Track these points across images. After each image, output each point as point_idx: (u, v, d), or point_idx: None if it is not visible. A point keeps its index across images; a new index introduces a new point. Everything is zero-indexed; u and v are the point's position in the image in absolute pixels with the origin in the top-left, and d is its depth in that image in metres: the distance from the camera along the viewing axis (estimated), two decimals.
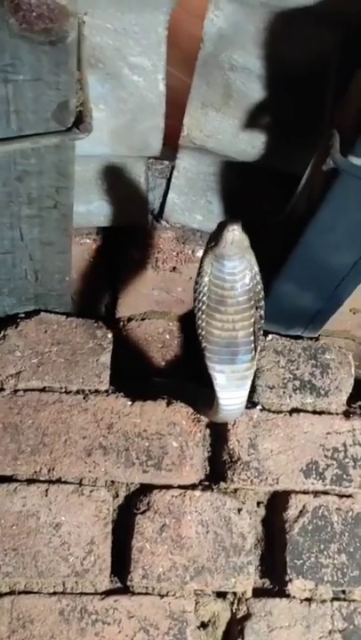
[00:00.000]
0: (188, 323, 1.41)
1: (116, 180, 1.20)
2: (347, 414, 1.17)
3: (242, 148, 1.06)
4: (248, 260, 0.95)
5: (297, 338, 1.24)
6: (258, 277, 0.98)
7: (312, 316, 1.20)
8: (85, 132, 0.77)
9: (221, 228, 0.89)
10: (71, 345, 1.14)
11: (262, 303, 0.99)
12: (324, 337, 1.55)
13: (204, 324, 0.98)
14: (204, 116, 1.02)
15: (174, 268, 1.34)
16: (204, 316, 0.98)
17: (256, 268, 0.97)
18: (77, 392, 1.10)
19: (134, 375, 1.35)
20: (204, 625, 0.98)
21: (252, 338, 0.98)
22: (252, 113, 1.01)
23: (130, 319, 1.47)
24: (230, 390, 1.01)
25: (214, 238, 0.92)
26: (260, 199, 1.22)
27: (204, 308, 0.97)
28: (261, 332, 0.98)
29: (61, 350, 1.13)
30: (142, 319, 1.48)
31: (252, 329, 0.98)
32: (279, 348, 1.21)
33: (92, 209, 1.24)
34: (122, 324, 1.46)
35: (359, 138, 0.81)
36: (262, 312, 0.98)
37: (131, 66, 0.96)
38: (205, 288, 0.97)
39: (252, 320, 0.98)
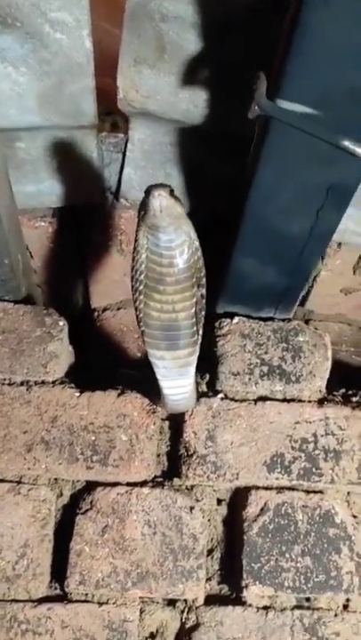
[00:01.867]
0: None
1: (66, 157, 1.12)
2: (321, 402, 1.05)
3: (184, 107, 0.96)
4: (186, 231, 0.85)
5: (268, 320, 1.14)
6: (198, 252, 0.88)
7: (280, 294, 1.09)
8: None
9: (147, 194, 0.80)
10: (17, 334, 1.07)
11: (204, 281, 0.89)
12: (316, 322, 1.44)
13: (142, 306, 0.89)
14: (138, 75, 0.93)
15: None
16: (141, 297, 0.89)
17: (196, 242, 0.87)
18: (21, 383, 1.02)
19: (109, 367, 1.28)
20: (152, 636, 0.89)
21: (193, 320, 0.88)
22: (190, 66, 0.91)
23: (105, 309, 1.40)
24: (173, 378, 0.91)
25: (143, 206, 0.83)
26: (222, 168, 1.12)
27: (141, 287, 0.88)
28: (204, 314, 0.88)
29: (6, 339, 1.06)
30: (118, 309, 1.41)
31: (193, 310, 0.88)
32: (246, 330, 1.10)
33: (43, 188, 1.16)
34: (97, 314, 1.39)
35: (286, 77, 0.70)
36: (204, 291, 0.89)
37: (52, 22, 0.87)
38: (142, 265, 0.88)
39: (194, 300, 0.88)
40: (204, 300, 0.88)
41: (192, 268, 0.87)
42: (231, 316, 1.12)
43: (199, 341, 0.89)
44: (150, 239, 0.85)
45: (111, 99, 1.02)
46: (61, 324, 1.11)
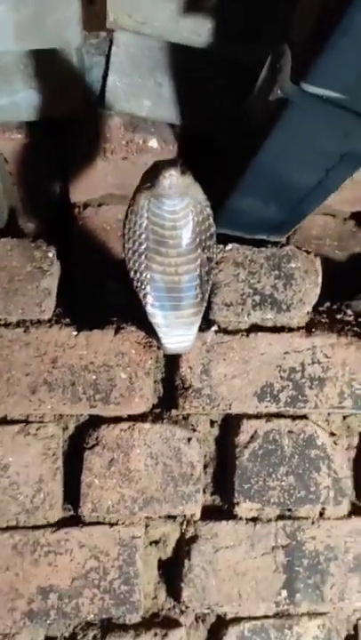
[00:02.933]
0: None
1: (42, 63, 0.98)
2: (308, 329, 1.10)
3: (185, 35, 0.85)
4: (192, 195, 0.81)
5: (261, 244, 1.13)
6: (206, 213, 0.84)
7: (275, 226, 1.07)
8: None
9: (157, 171, 0.75)
10: (7, 271, 1.04)
11: (210, 243, 0.87)
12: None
13: (142, 268, 0.87)
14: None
15: (125, 158, 1.17)
16: (142, 259, 0.87)
17: (204, 203, 0.84)
18: (17, 324, 1.03)
19: (94, 269, 1.27)
20: (155, 542, 1.04)
21: (197, 282, 0.88)
22: None
23: (86, 205, 1.33)
24: (175, 335, 0.93)
25: (149, 179, 0.78)
26: (220, 86, 1.01)
27: (141, 250, 0.86)
28: (211, 277, 0.88)
29: None
30: (99, 205, 1.35)
31: (197, 272, 0.87)
32: (240, 259, 1.10)
33: (18, 100, 1.03)
34: (77, 210, 1.33)
35: (317, 62, 0.62)
36: (210, 254, 0.87)
37: None
38: (143, 227, 0.85)
39: (198, 262, 0.87)
40: (211, 264, 0.87)
41: (196, 230, 0.84)
42: (225, 241, 1.10)
43: (204, 301, 0.90)
44: (153, 202, 0.81)
45: None
46: (51, 255, 1.08)
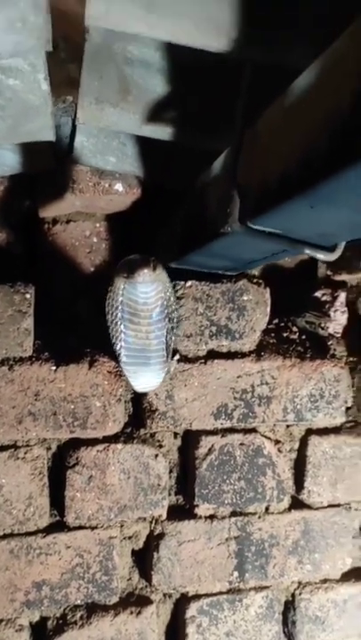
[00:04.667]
0: (116, 222, 1.38)
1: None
2: (258, 353, 1.27)
3: (147, 134, 0.93)
4: (161, 281, 0.94)
5: (217, 282, 1.26)
6: (169, 292, 0.98)
7: (228, 269, 1.20)
8: None
9: (133, 267, 0.87)
10: None
11: (174, 315, 1.01)
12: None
13: (118, 334, 1.01)
14: (101, 111, 0.88)
15: (92, 195, 1.27)
16: (117, 326, 1.01)
17: (170, 286, 0.97)
18: (2, 363, 1.16)
19: (63, 288, 1.39)
20: (129, 537, 1.24)
21: (164, 345, 1.02)
22: (155, 109, 0.87)
23: (55, 221, 1.43)
24: (144, 382, 1.09)
25: (125, 271, 0.90)
26: (178, 149, 1.10)
27: (117, 320, 1.00)
28: (173, 339, 1.02)
29: None
30: (67, 221, 1.45)
31: (164, 338, 1.02)
32: (198, 294, 1.24)
33: None
34: (47, 226, 1.43)
35: (262, 215, 0.74)
36: (174, 324, 1.01)
37: (3, 70, 0.79)
38: (119, 302, 0.98)
39: (164, 330, 1.01)
40: (174, 329, 1.02)
41: (164, 305, 0.98)
42: (185, 276, 1.23)
43: (169, 358, 1.05)
44: (128, 287, 0.94)
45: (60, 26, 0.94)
46: (28, 296, 1.19)
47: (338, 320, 1.42)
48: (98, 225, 1.41)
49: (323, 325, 1.40)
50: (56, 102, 1.07)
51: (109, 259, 1.41)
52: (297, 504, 1.30)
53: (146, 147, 1.12)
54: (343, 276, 1.45)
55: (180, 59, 0.79)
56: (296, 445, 1.31)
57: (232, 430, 1.26)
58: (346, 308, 1.42)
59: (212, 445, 1.24)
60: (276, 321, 1.36)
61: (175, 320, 1.02)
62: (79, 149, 1.12)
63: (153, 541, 1.23)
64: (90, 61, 0.80)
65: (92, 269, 1.48)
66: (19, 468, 1.16)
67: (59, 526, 1.19)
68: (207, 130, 0.89)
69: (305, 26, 0.60)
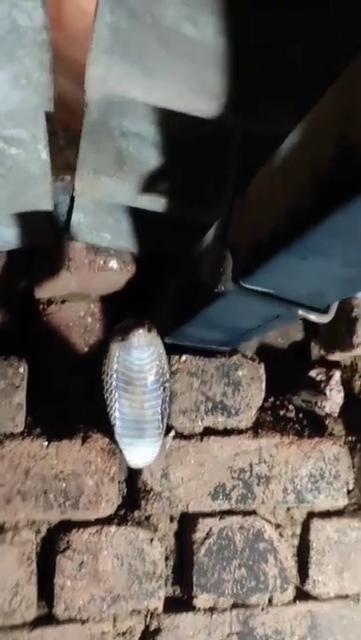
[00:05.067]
0: (110, 303, 1.40)
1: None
2: (255, 430, 1.24)
3: (142, 205, 0.97)
4: (155, 347, 0.94)
5: (211, 357, 1.26)
6: (163, 360, 0.98)
7: (222, 343, 1.21)
8: None
9: (128, 329, 0.87)
10: None
11: (168, 384, 1.00)
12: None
13: (113, 403, 1.00)
14: (97, 181, 0.92)
15: (87, 272, 1.30)
16: (113, 395, 0.99)
17: (163, 354, 0.97)
18: None
19: (56, 367, 1.38)
20: (122, 633, 1.15)
21: (159, 416, 1.00)
22: (149, 180, 0.91)
23: (50, 302, 1.44)
24: (139, 456, 1.05)
25: (121, 334, 0.90)
26: (171, 222, 1.14)
27: (112, 388, 0.98)
28: (167, 410, 1.01)
29: None
30: (62, 302, 1.46)
31: (158, 408, 1.00)
32: (193, 369, 1.23)
33: None
34: (42, 306, 1.44)
35: (255, 274, 0.75)
36: (168, 393, 1.00)
37: (6, 139, 0.83)
38: (114, 370, 0.97)
39: (160, 400, 0.99)
40: (168, 399, 1.00)
41: (159, 373, 0.97)
42: (179, 351, 1.23)
43: (164, 429, 1.02)
44: (123, 353, 0.93)
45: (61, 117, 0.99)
46: (22, 370, 1.18)
47: (334, 399, 1.41)
48: (92, 306, 1.42)
49: (319, 404, 1.38)
50: (55, 181, 1.12)
51: (104, 339, 1.41)
52: (302, 595, 1.22)
53: (140, 222, 1.16)
54: (337, 355, 1.45)
55: (172, 132, 0.84)
56: (298, 530, 1.25)
57: (231, 512, 1.20)
58: (341, 387, 1.41)
59: (211, 529, 1.18)
60: (271, 399, 1.34)
61: (169, 390, 1.01)
62: (76, 226, 1.16)
63: (149, 638, 1.13)
64: (88, 135, 0.85)
65: (87, 349, 1.48)
66: (5, 554, 1.09)
67: (47, 619, 1.10)
68: (198, 201, 0.93)
69: (293, 95, 0.64)
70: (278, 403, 1.34)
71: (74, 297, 1.40)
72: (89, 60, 0.61)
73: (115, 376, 0.96)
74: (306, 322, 1.57)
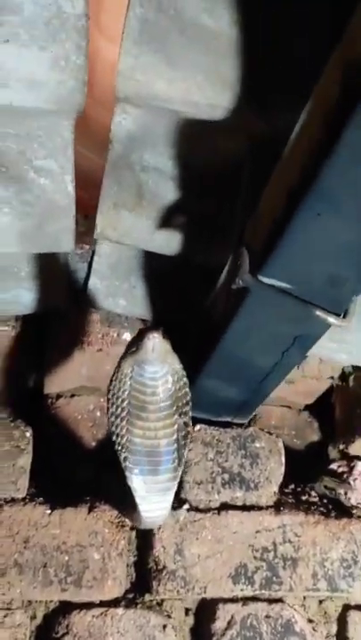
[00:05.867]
0: None
1: (33, 267, 1.14)
2: (277, 507, 1.14)
3: (158, 244, 1.02)
4: (170, 364, 0.90)
5: (226, 425, 1.21)
6: (183, 381, 0.93)
7: (239, 406, 1.17)
8: None
9: (142, 335, 0.85)
10: None
11: (187, 409, 0.94)
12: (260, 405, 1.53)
13: (123, 432, 0.93)
14: (117, 216, 0.98)
15: (100, 349, 1.29)
16: (123, 423, 0.93)
17: (180, 372, 0.93)
18: None
19: (63, 458, 1.30)
20: None
21: (175, 446, 0.93)
22: (166, 213, 0.97)
23: (59, 396, 1.41)
24: (152, 501, 0.96)
25: (135, 344, 0.88)
26: (186, 284, 1.18)
27: (123, 414, 0.93)
28: (188, 441, 0.94)
29: None
30: (72, 395, 1.42)
31: (175, 436, 0.93)
32: (208, 439, 1.17)
33: (9, 297, 1.17)
34: (50, 401, 1.40)
35: (270, 260, 0.78)
36: (187, 419, 0.94)
37: (36, 169, 0.91)
38: (125, 393, 0.92)
39: (175, 427, 0.93)
40: (187, 428, 0.94)
41: (174, 396, 0.92)
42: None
43: (180, 468, 0.94)
44: (136, 370, 0.89)
45: (81, 204, 1.06)
46: (28, 435, 1.13)
47: (359, 489, 1.31)
48: (102, 400, 1.39)
49: (343, 494, 1.28)
50: (74, 250, 1.18)
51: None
52: None
53: (154, 288, 1.19)
54: (357, 446, 1.38)
55: (189, 165, 0.92)
56: (334, 629, 1.08)
57: (255, 599, 1.05)
58: None
59: (233, 617, 1.02)
60: (292, 486, 1.25)
61: (189, 416, 0.94)
62: (92, 291, 1.19)
63: None
64: (111, 169, 0.93)
65: (94, 443, 1.42)
66: None
67: None
68: (211, 236, 0.98)
69: (300, 90, 0.72)
70: (300, 490, 1.25)
71: (84, 390, 1.38)
72: (120, 53, 0.71)
73: (126, 401, 0.91)
74: (321, 422, 1.52)
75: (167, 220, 0.97)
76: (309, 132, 0.68)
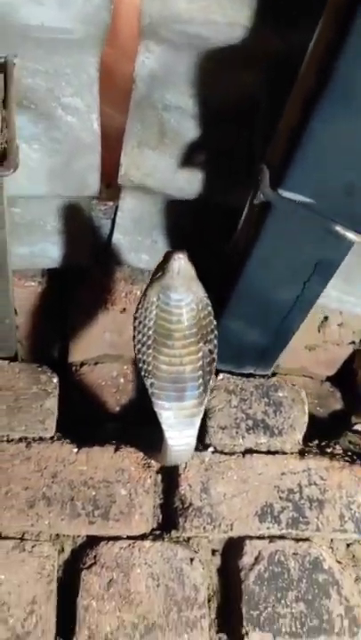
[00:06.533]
0: None
1: (59, 221, 1.18)
2: (302, 453, 1.14)
3: (180, 185, 1.06)
4: (195, 292, 0.92)
5: (249, 376, 1.22)
6: (207, 310, 0.95)
7: (262, 353, 1.18)
8: (10, 169, 0.75)
9: (168, 257, 0.87)
10: (14, 391, 1.10)
11: (212, 337, 0.96)
12: (282, 375, 1.54)
13: (150, 359, 0.95)
14: (141, 155, 1.02)
15: (124, 309, 1.32)
16: (150, 351, 0.95)
17: (205, 300, 0.94)
18: (20, 440, 1.05)
19: (87, 421, 1.31)
20: None
21: (200, 373, 0.94)
22: (188, 151, 1.01)
23: (83, 364, 1.43)
24: (179, 429, 0.97)
25: (161, 268, 0.90)
26: (207, 236, 1.21)
27: (149, 342, 0.94)
28: (213, 368, 0.95)
29: (3, 396, 1.09)
30: (95, 363, 1.44)
31: (200, 363, 0.95)
32: (231, 387, 1.18)
33: (36, 251, 1.21)
34: (74, 368, 1.42)
35: (288, 171, 0.81)
36: (212, 346, 0.95)
37: (64, 106, 0.95)
38: (151, 322, 0.94)
39: (200, 354, 0.95)
40: (213, 355, 0.95)
41: (198, 325, 0.94)
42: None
43: (206, 394, 0.95)
44: (162, 298, 0.91)
45: (104, 170, 1.10)
46: (55, 380, 1.15)
47: None
48: (125, 367, 1.41)
49: None
50: (97, 205, 1.22)
51: (136, 398, 1.38)
52: None
53: (175, 243, 1.22)
54: None
55: (208, 103, 0.96)
56: None
57: (282, 538, 1.04)
58: None
59: (260, 552, 1.01)
60: (316, 441, 1.25)
61: (214, 344, 0.95)
62: (116, 246, 1.23)
63: None
64: (135, 108, 0.97)
65: (118, 408, 1.43)
66: (23, 563, 0.94)
67: None
68: (231, 173, 1.02)
69: (319, 7, 0.76)
70: (324, 444, 1.25)
71: (107, 358, 1.40)
72: None
73: (152, 329, 0.93)
74: (344, 392, 1.52)
75: (189, 157, 1.01)
76: (323, 37, 0.72)
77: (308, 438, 1.21)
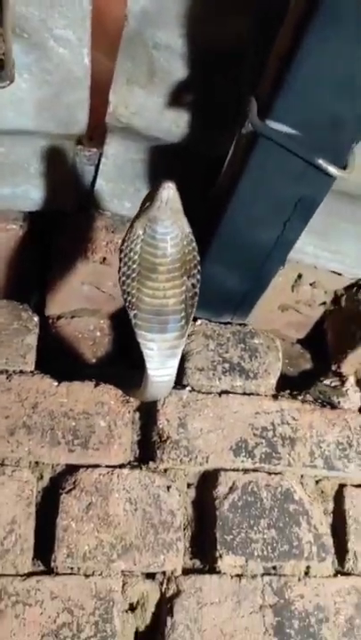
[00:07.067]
0: (120, 320, 1.39)
1: (43, 164, 1.19)
2: (275, 397, 1.18)
3: (167, 126, 1.08)
4: (180, 226, 0.94)
5: (227, 324, 1.25)
6: (192, 245, 0.97)
7: (240, 299, 1.22)
8: (6, 81, 0.76)
9: (157, 185, 0.89)
10: None
11: (195, 272, 0.98)
12: None
13: (134, 292, 0.97)
14: (130, 93, 1.04)
15: (104, 259, 1.33)
16: (134, 284, 0.97)
17: (190, 236, 0.97)
18: (0, 372, 1.06)
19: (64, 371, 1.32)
20: (132, 608, 0.94)
21: (183, 306, 0.97)
22: (176, 91, 1.03)
23: (59, 317, 1.44)
24: (161, 360, 0.99)
25: (149, 197, 0.92)
26: (190, 186, 1.24)
27: (134, 275, 0.96)
28: (195, 302, 0.98)
29: None
30: (72, 317, 1.45)
31: (183, 297, 0.97)
32: (208, 332, 1.21)
33: (18, 192, 1.22)
34: (51, 321, 1.43)
35: (276, 102, 0.84)
36: (195, 281, 0.98)
37: (56, 38, 0.97)
38: (136, 255, 0.96)
39: (183, 288, 0.97)
40: (195, 289, 0.98)
41: (183, 259, 0.96)
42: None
43: (187, 327, 0.98)
44: (147, 231, 0.93)
45: (91, 115, 1.12)
46: (36, 319, 1.16)
47: (351, 399, 1.36)
48: (102, 321, 1.43)
49: (337, 400, 1.33)
50: (82, 150, 1.23)
51: (112, 352, 1.40)
52: (342, 569, 1.03)
53: None
54: (349, 361, 1.43)
55: (197, 44, 0.99)
56: (330, 506, 1.10)
57: (255, 471, 1.08)
58: (358, 388, 1.38)
59: (234, 483, 1.05)
60: (288, 391, 1.29)
61: (197, 279, 0.98)
62: (99, 192, 1.24)
63: (165, 605, 0.93)
64: (125, 45, 0.99)
65: (94, 360, 1.44)
66: (3, 485, 0.95)
67: (45, 567, 0.92)
68: (217, 120, 1.05)
69: None
70: (295, 393, 1.29)
71: (84, 312, 1.41)
72: None
73: (137, 261, 0.95)
74: (313, 354, 1.57)
75: (177, 97, 1.03)
76: None
77: (280, 388, 1.25)
